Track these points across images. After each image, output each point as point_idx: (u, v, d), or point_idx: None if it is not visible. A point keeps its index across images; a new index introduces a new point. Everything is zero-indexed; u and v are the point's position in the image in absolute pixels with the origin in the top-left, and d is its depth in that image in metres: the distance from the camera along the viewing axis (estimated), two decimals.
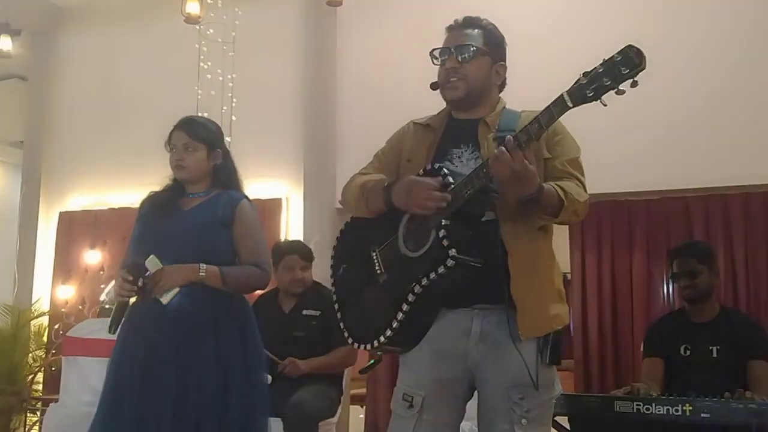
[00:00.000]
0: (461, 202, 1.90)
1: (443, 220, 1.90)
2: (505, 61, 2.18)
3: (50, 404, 4.41)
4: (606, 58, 1.69)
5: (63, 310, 5.89)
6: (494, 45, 2.14)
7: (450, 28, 2.17)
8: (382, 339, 1.98)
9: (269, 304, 3.81)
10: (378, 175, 2.18)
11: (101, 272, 5.93)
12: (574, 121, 4.72)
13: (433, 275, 1.87)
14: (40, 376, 5.85)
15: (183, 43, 5.18)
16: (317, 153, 5.36)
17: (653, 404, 2.71)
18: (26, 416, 5.68)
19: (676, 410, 2.67)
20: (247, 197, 2.82)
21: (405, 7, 5.33)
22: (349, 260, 2.23)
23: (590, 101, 1.72)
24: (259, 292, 4.94)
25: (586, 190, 2.03)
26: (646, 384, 3.19)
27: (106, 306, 4.87)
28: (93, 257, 6.03)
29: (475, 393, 2.10)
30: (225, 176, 2.81)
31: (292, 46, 5.52)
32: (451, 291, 1.96)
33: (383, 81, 5.18)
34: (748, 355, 3.23)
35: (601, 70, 1.70)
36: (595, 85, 1.70)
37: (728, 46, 4.55)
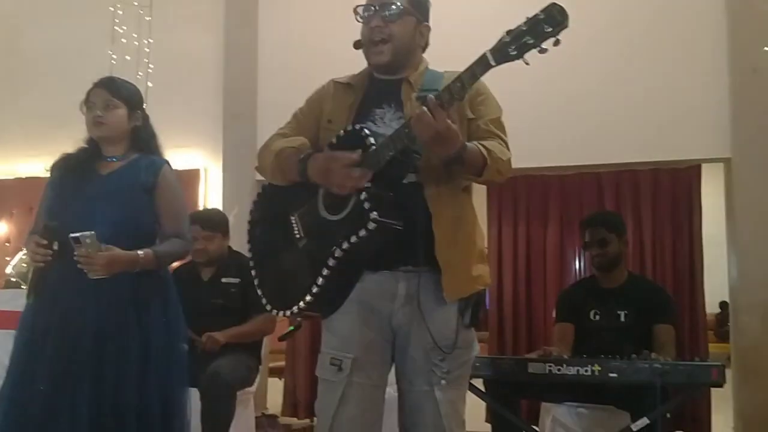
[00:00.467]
0: (382, 164, 1.85)
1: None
2: (428, 22, 2.13)
3: None
4: (529, 16, 1.68)
5: None
6: (418, 5, 2.10)
7: None
8: (301, 305, 1.93)
9: (188, 273, 3.73)
10: (295, 140, 2.09)
11: (7, 244, 5.69)
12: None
13: (354, 239, 1.83)
14: None
15: (97, 4, 4.98)
16: (237, 124, 5.26)
17: (564, 365, 2.82)
18: None
19: (586, 370, 2.79)
20: (168, 162, 2.73)
21: None
22: (266, 224, 2.16)
23: (513, 59, 1.71)
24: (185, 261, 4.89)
25: (509, 149, 2.01)
26: (558, 348, 3.30)
27: (12, 279, 4.67)
28: None
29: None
30: (145, 139, 2.71)
31: (212, 14, 5.39)
32: (372, 254, 1.92)
33: (306, 52, 5.10)
34: (653, 320, 3.38)
35: (524, 29, 1.68)
36: (518, 43, 1.69)
37: (638, 23, 4.68)
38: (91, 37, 5.07)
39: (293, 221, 2.03)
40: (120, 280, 2.50)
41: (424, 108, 1.75)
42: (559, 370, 2.82)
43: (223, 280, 3.65)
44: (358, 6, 2.10)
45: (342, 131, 1.96)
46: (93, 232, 2.44)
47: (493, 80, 4.72)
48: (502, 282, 4.94)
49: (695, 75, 4.56)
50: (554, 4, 1.66)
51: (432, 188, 1.95)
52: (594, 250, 3.49)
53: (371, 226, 1.80)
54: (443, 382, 1.94)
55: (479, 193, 6.00)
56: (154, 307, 2.59)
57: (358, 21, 2.10)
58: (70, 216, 2.53)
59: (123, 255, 2.48)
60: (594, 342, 3.32)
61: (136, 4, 4.85)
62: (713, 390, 4.34)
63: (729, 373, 4.12)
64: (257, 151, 5.29)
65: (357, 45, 2.10)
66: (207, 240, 3.67)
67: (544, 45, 1.69)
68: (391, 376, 2.10)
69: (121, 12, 4.83)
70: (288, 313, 1.99)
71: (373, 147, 1.86)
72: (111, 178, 2.62)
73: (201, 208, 5.21)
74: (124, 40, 4.76)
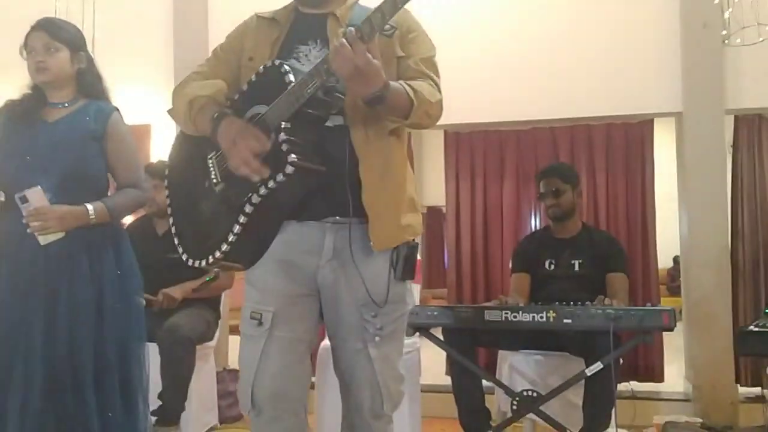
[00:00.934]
0: (302, 101, 1.71)
1: (283, 123, 1.72)
2: None
3: None
4: None
5: None
6: None
7: None
8: (217, 254, 1.79)
9: (143, 227, 3.69)
10: (211, 85, 1.94)
11: None
12: (448, 53, 4.79)
13: (271, 183, 1.70)
14: None
15: None
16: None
17: (520, 312, 2.86)
18: None
19: (541, 317, 2.84)
20: (117, 109, 2.67)
21: None
22: (183, 167, 2.02)
23: None
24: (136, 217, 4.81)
25: (440, 91, 1.90)
26: (514, 297, 3.36)
27: None
28: None
29: None
30: (91, 83, 2.64)
31: None
32: (293, 202, 1.82)
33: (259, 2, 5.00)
34: (606, 269, 3.46)
35: None
36: None
37: None
38: None
39: (210, 164, 1.89)
40: (70, 232, 2.46)
41: (343, 40, 1.62)
42: (515, 317, 2.86)
43: None
44: None
45: (261, 68, 1.83)
46: (39, 187, 2.38)
47: (449, 37, 4.71)
48: (460, 237, 4.98)
49: (647, 30, 4.57)
50: None
51: (359, 132, 1.83)
52: (549, 200, 3.54)
53: (289, 170, 1.68)
54: (377, 338, 1.88)
55: (436, 148, 6.04)
56: (107, 258, 2.55)
57: None
58: (15, 167, 2.46)
59: (72, 210, 2.43)
60: (549, 290, 3.40)
61: None
62: (666, 342, 4.56)
63: (680, 326, 4.28)
64: None
65: None
66: (156, 189, 3.60)
67: None
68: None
69: None
70: (203, 262, 1.84)
71: (292, 84, 1.73)
72: (58, 126, 2.55)
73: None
74: None
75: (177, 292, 3.45)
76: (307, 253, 1.87)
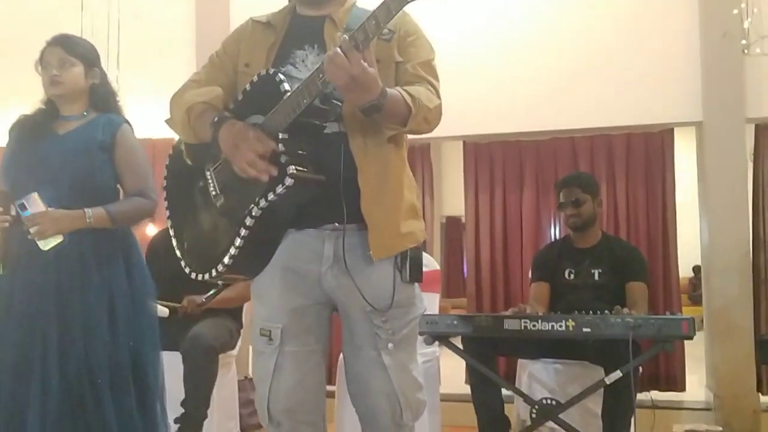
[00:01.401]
0: (298, 111, 1.67)
1: (281, 134, 1.69)
2: None
3: None
4: None
5: None
6: None
7: None
8: (220, 268, 1.78)
9: (166, 240, 3.73)
10: (208, 92, 1.90)
11: None
12: (466, 64, 4.80)
13: (271, 195, 1.68)
14: None
15: None
16: None
17: (539, 321, 2.87)
18: None
19: (560, 326, 2.84)
20: (127, 121, 2.71)
21: None
22: (182, 180, 1.99)
23: None
24: (152, 228, 4.87)
25: (439, 96, 1.85)
26: (533, 306, 3.37)
27: None
28: None
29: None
30: (103, 97, 2.68)
31: None
32: (294, 211, 1.79)
33: None
34: (626, 278, 3.45)
35: None
36: None
37: None
38: (59, 2, 4.97)
39: (209, 176, 1.87)
40: (80, 240, 2.49)
41: (337, 50, 1.57)
42: (534, 326, 2.87)
43: None
44: None
45: (256, 76, 1.79)
46: (35, 193, 2.42)
47: (468, 48, 4.74)
48: (479, 247, 5.00)
49: (667, 40, 4.58)
50: None
51: (357, 139, 1.79)
52: (568, 210, 3.55)
53: (289, 181, 1.65)
54: (390, 345, 1.83)
55: (455, 159, 6.05)
56: (116, 264, 2.57)
57: None
58: (26, 178, 2.50)
59: (68, 212, 2.47)
60: (569, 300, 3.40)
61: None
62: (687, 352, 4.54)
63: (702, 335, 4.27)
64: None
65: None
66: None
67: None
68: None
69: None
70: (207, 276, 1.83)
71: (288, 93, 1.69)
72: (68, 137, 2.59)
73: None
74: (95, 5, 4.66)
75: (201, 304, 3.51)
76: (308, 261, 1.84)
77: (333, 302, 1.90)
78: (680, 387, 4.58)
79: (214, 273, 1.81)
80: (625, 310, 2.94)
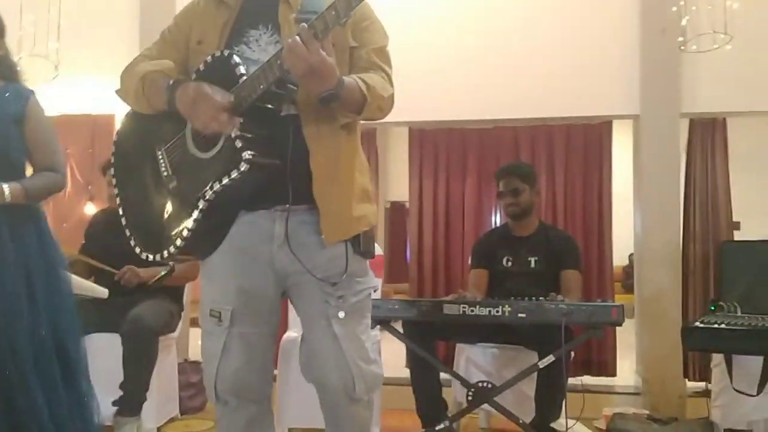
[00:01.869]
0: (254, 96, 1.68)
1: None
2: None
3: None
4: None
5: None
6: None
7: None
8: (172, 249, 1.78)
9: (108, 219, 3.69)
10: (161, 63, 1.89)
11: None
12: (413, 52, 4.80)
13: (226, 179, 1.68)
14: None
15: None
16: None
17: (477, 306, 2.96)
18: None
19: (497, 311, 2.94)
20: (34, 93, 2.64)
21: None
22: (131, 159, 1.96)
23: None
24: (91, 207, 4.79)
25: (392, 84, 1.88)
26: (472, 292, 3.46)
27: None
28: None
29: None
30: (6, 67, 2.62)
31: None
32: (246, 194, 1.79)
33: None
34: (561, 266, 3.56)
35: None
36: None
37: None
38: None
39: (160, 157, 1.86)
40: None
41: (297, 38, 1.58)
42: (472, 311, 2.96)
43: None
44: None
45: (210, 57, 1.77)
46: None
47: (415, 37, 4.76)
48: (422, 232, 5.05)
49: (607, 35, 4.68)
50: None
51: (311, 124, 1.80)
52: (507, 198, 3.63)
53: (243, 167, 1.66)
54: (341, 313, 1.82)
55: (400, 145, 6.10)
56: (30, 239, 2.54)
57: None
58: None
59: None
60: (506, 286, 3.50)
61: None
62: (619, 338, 4.70)
63: (633, 322, 4.41)
64: None
65: None
66: None
67: None
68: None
69: None
70: (159, 257, 1.83)
71: (244, 77, 1.69)
72: None
73: None
74: None
75: (142, 272, 3.48)
76: (260, 242, 1.84)
77: (283, 285, 1.90)
78: (611, 372, 4.73)
79: (165, 254, 1.80)
80: (560, 297, 3.05)
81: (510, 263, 3.64)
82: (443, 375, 3.32)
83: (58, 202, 4.94)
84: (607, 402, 4.36)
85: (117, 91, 1.97)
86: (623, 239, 5.59)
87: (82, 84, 4.93)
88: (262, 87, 1.67)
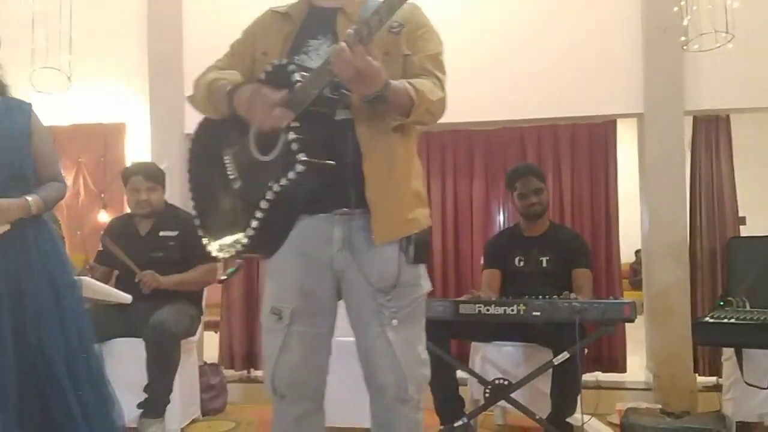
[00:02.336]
0: (308, 101, 1.77)
1: (291, 122, 1.78)
2: None
3: None
4: None
5: None
6: None
7: None
8: (239, 247, 1.89)
9: (125, 227, 3.77)
10: (229, 73, 2.01)
11: None
12: None
13: (284, 181, 1.77)
14: None
15: None
16: (163, 75, 5.10)
17: (492, 306, 3.03)
18: None
19: (512, 310, 3.01)
20: (31, 104, 2.72)
21: None
22: (202, 163, 2.09)
23: None
24: (104, 214, 4.86)
25: (443, 89, 1.92)
26: (485, 292, 3.52)
27: None
28: None
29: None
30: (1, 82, 2.67)
31: None
32: (306, 196, 1.87)
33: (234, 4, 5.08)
34: (572, 265, 3.62)
35: None
36: None
37: None
38: None
39: (227, 160, 1.98)
40: (19, 227, 2.51)
41: (342, 44, 1.66)
42: (488, 310, 3.02)
43: (161, 233, 3.71)
44: None
45: (270, 65, 1.88)
46: None
47: None
48: (432, 234, 5.09)
49: (610, 35, 4.73)
50: None
51: (363, 127, 1.87)
52: (531, 198, 3.67)
53: (299, 168, 1.75)
54: (394, 322, 1.90)
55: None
56: (52, 248, 2.62)
57: None
58: None
59: (14, 202, 2.50)
60: (519, 286, 3.55)
61: None
62: (628, 335, 4.75)
63: (642, 318, 4.47)
64: (184, 102, 5.23)
65: None
66: (150, 191, 3.71)
67: None
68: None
69: None
70: (227, 255, 1.95)
71: (299, 83, 1.78)
72: None
73: (127, 161, 5.15)
74: None
75: (163, 278, 3.54)
76: (320, 246, 1.93)
77: (339, 287, 1.98)
78: (621, 368, 4.78)
79: (233, 251, 1.92)
80: (573, 296, 3.11)
81: (522, 263, 3.69)
82: (460, 373, 3.38)
83: (72, 210, 5.03)
84: (618, 398, 4.42)
85: (188, 98, 2.09)
86: (629, 236, 5.63)
87: (93, 94, 5.01)
88: (315, 92, 1.76)
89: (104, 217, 5.08)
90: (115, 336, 3.46)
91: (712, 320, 3.25)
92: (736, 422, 3.44)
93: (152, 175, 3.76)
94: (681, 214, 4.64)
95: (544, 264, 3.65)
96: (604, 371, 4.76)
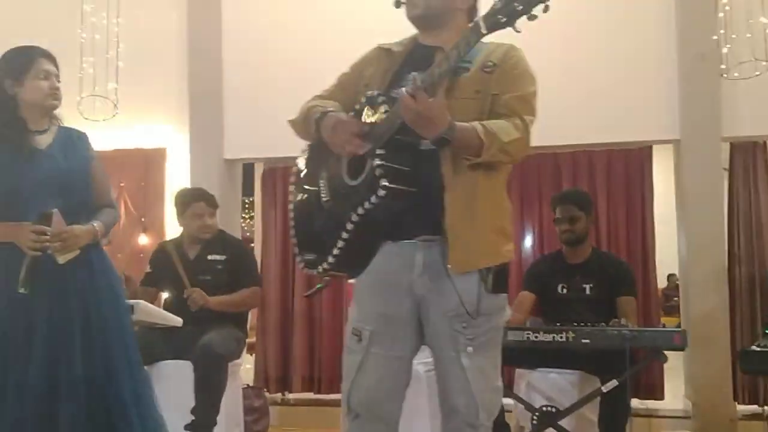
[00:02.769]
0: (393, 130, 1.86)
1: (378, 150, 1.87)
2: None
3: None
4: None
5: None
6: None
7: None
8: (325, 266, 2.02)
9: (176, 249, 3.83)
10: (327, 103, 2.11)
11: None
12: None
13: (367, 204, 1.86)
14: None
15: None
16: (203, 101, 5.21)
17: (541, 332, 3.04)
18: None
19: (561, 337, 3.02)
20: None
21: None
22: (303, 185, 2.21)
23: (503, 27, 1.70)
24: (144, 238, 4.92)
25: (524, 130, 1.93)
26: (514, 313, 3.50)
27: None
28: None
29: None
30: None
31: None
32: (388, 220, 1.94)
33: (270, 28, 5.13)
34: (616, 292, 3.62)
35: None
36: (508, 9, 1.67)
37: (593, 12, 4.80)
38: (58, 17, 5.00)
39: (322, 184, 2.10)
40: (87, 252, 2.57)
41: (403, 91, 1.78)
42: (536, 337, 3.04)
43: (210, 257, 3.77)
44: None
45: (364, 97, 1.98)
46: (56, 209, 2.47)
47: None
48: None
49: (647, 62, 4.74)
50: None
51: (447, 160, 1.92)
52: (564, 225, 3.70)
53: (381, 193, 1.82)
54: (470, 349, 1.93)
55: None
56: (110, 270, 2.70)
57: None
58: (29, 194, 2.50)
59: (84, 228, 2.56)
60: (562, 313, 3.55)
61: None
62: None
63: None
64: (223, 128, 5.30)
65: (397, 3, 2.07)
66: (211, 217, 3.81)
67: (533, 11, 1.68)
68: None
69: None
70: (315, 271, 2.09)
71: (387, 113, 1.88)
72: (54, 154, 2.60)
73: (168, 186, 5.25)
74: (93, 19, 4.70)
75: (210, 299, 3.60)
76: (401, 270, 1.99)
77: (419, 312, 2.02)
78: (659, 396, 4.75)
79: (320, 269, 2.05)
80: (623, 321, 3.11)
81: (565, 290, 3.69)
82: (505, 400, 3.37)
83: (113, 234, 5.06)
84: (655, 425, 4.39)
85: (289, 122, 2.20)
86: (663, 262, 5.62)
87: (135, 120, 5.09)
88: (398, 122, 1.85)
89: (144, 240, 5.16)
90: (162, 358, 3.49)
91: (759, 349, 3.24)
92: None
93: (213, 202, 3.88)
94: (719, 240, 4.61)
95: (587, 291, 3.65)
96: (641, 398, 4.71)
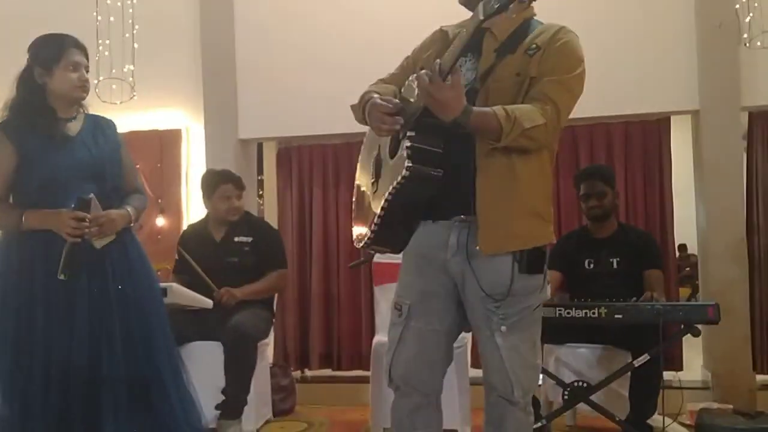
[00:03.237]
0: (419, 111, 1.90)
1: (409, 131, 1.92)
2: None
3: None
4: None
5: None
6: None
7: None
8: (366, 241, 2.11)
9: (200, 233, 3.83)
10: (384, 88, 2.18)
11: None
12: None
13: (395, 183, 1.92)
14: None
15: None
16: (217, 82, 5.20)
17: (573, 309, 3.04)
18: None
19: (593, 312, 3.03)
20: None
21: None
22: (362, 165, 2.33)
23: (497, 13, 1.71)
24: (161, 219, 4.91)
25: (557, 115, 1.94)
26: None
27: None
28: None
29: None
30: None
31: None
32: (418, 199, 1.99)
33: (282, 7, 5.10)
34: (643, 266, 3.62)
35: None
36: None
37: None
38: (74, 3, 4.94)
39: (372, 164, 2.19)
40: (128, 243, 2.63)
41: (421, 74, 1.83)
42: (568, 313, 3.04)
43: (236, 239, 3.78)
44: None
45: (411, 77, 2.00)
46: (93, 195, 2.49)
47: None
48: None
49: (665, 31, 4.69)
50: None
51: (481, 143, 1.94)
52: (592, 201, 3.68)
53: (405, 173, 1.89)
54: (503, 328, 1.96)
55: None
56: (143, 255, 2.73)
57: None
58: (65, 183, 2.52)
59: (120, 212, 2.59)
60: (590, 288, 3.54)
61: None
62: None
63: None
64: (237, 109, 5.25)
65: None
66: (239, 198, 3.81)
67: None
68: None
69: None
70: (360, 245, 2.17)
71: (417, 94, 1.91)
72: (85, 141, 2.62)
73: (184, 167, 5.24)
74: (108, 1, 4.65)
75: (239, 292, 3.60)
76: (436, 249, 2.05)
77: (456, 289, 2.07)
78: (678, 367, 4.77)
79: (363, 244, 2.15)
80: (656, 295, 3.11)
81: (592, 265, 3.69)
82: None
83: None
84: (675, 396, 4.39)
85: (351, 106, 2.24)
86: (677, 233, 5.62)
87: (151, 102, 5.06)
88: (421, 103, 1.89)
89: (161, 222, 5.14)
90: (192, 340, 3.51)
91: None
92: None
93: (240, 183, 3.89)
94: (739, 211, 4.59)
95: (615, 265, 3.65)
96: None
